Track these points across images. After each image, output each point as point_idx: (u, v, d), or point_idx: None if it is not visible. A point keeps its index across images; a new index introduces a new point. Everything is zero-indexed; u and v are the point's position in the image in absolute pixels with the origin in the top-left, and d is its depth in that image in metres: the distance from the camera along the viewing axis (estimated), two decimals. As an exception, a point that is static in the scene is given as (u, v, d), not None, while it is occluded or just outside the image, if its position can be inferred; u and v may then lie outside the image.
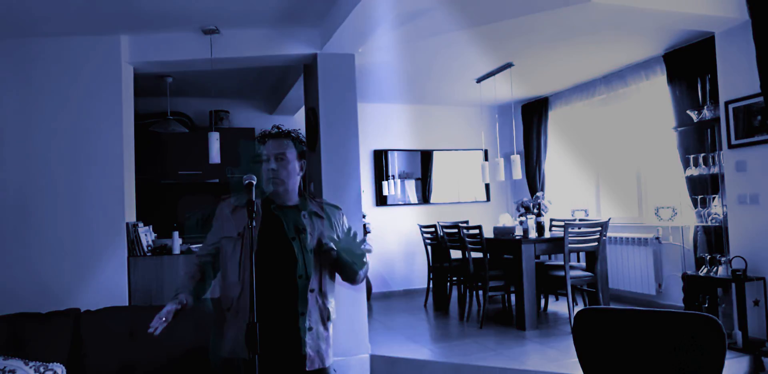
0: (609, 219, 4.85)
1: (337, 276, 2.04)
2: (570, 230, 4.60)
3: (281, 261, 1.88)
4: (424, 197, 6.97)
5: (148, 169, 5.22)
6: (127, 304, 3.70)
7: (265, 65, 4.47)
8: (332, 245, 1.93)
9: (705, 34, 4.30)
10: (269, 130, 2.06)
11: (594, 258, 4.71)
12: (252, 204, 1.76)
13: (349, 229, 1.93)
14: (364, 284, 4.10)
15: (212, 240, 1.99)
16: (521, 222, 5.05)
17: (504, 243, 4.88)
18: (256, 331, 1.65)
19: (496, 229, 5.21)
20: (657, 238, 5.10)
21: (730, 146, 4.00)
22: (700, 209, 4.40)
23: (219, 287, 1.97)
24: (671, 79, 4.78)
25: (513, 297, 5.10)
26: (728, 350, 2.41)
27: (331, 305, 1.98)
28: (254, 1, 3.50)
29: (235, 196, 2.00)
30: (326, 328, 1.94)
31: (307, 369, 1.87)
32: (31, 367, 2.31)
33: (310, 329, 1.88)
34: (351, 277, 2.00)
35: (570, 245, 4.59)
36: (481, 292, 5.08)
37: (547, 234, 5.16)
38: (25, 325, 2.62)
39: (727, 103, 4.01)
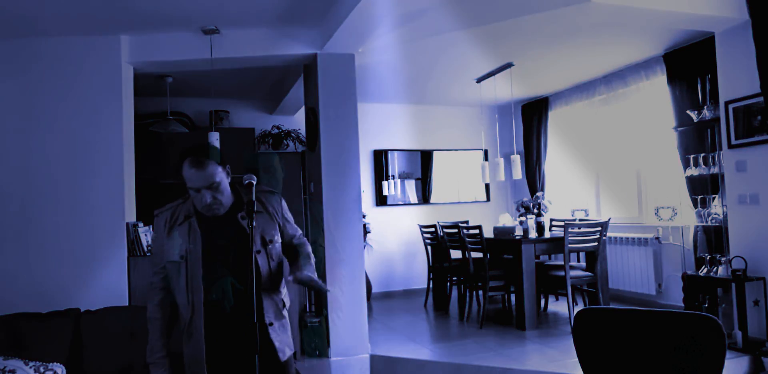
0: (609, 219, 4.85)
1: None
2: (570, 230, 4.60)
3: (235, 265, 1.84)
4: (424, 197, 6.97)
5: (148, 169, 5.22)
6: (127, 304, 3.70)
7: (265, 65, 4.47)
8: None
9: (705, 34, 4.30)
10: (193, 149, 1.84)
11: (594, 258, 4.71)
12: (252, 204, 1.77)
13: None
14: (363, 283, 4.09)
15: (160, 262, 1.91)
16: (521, 222, 5.05)
17: (504, 243, 4.88)
18: (256, 332, 1.66)
19: (496, 229, 5.21)
20: (657, 238, 5.10)
21: (730, 146, 4.00)
22: (700, 209, 4.40)
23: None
24: (671, 79, 4.78)
25: (513, 297, 5.10)
26: (728, 350, 2.41)
27: (282, 295, 1.99)
28: (254, 1, 3.50)
29: (170, 210, 1.91)
30: (283, 317, 1.96)
31: (281, 360, 1.90)
32: (31, 367, 2.30)
33: (271, 324, 1.90)
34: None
35: (570, 245, 4.58)
36: (481, 292, 5.08)
37: (547, 234, 5.16)
38: (25, 325, 2.62)
39: (727, 103, 4.01)
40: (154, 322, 1.90)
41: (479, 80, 5.69)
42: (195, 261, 1.83)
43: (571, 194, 6.41)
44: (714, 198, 4.35)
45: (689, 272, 4.22)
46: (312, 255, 2.03)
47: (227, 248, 1.86)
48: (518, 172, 5.43)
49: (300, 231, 2.11)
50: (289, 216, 2.05)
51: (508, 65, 5.13)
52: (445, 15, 3.71)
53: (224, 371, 1.86)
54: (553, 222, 5.74)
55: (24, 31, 3.70)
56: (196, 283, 1.82)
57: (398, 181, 6.87)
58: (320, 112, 4.10)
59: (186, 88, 5.49)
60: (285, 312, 1.99)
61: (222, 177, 1.83)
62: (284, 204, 2.03)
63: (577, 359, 1.92)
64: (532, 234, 5.02)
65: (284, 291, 2.02)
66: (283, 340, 1.93)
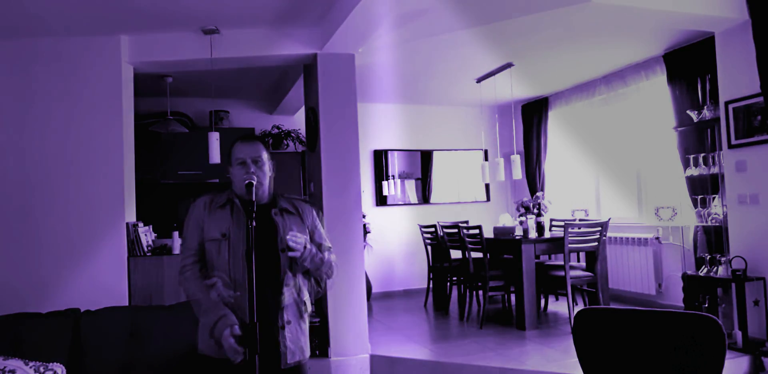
0: (609, 219, 4.85)
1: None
2: (570, 230, 4.60)
3: (263, 260, 1.84)
4: (424, 197, 6.97)
5: (148, 169, 5.22)
6: (127, 304, 3.70)
7: (265, 65, 4.47)
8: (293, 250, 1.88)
9: (705, 34, 4.30)
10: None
11: (594, 258, 4.71)
12: (253, 204, 1.78)
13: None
14: (363, 283, 4.09)
15: (193, 244, 1.94)
16: (521, 222, 5.05)
17: (504, 243, 4.88)
18: (256, 331, 1.65)
19: (496, 229, 5.21)
20: (657, 238, 5.10)
21: (730, 146, 4.00)
22: (700, 209, 4.40)
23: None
24: (671, 79, 4.78)
25: (513, 297, 5.10)
26: (728, 350, 2.41)
27: (306, 297, 2.00)
28: (254, 1, 3.50)
29: (210, 195, 2.01)
30: (303, 321, 1.97)
31: (288, 361, 1.88)
32: (31, 367, 2.30)
33: (289, 322, 1.90)
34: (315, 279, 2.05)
35: (570, 245, 4.58)
36: (481, 292, 5.08)
37: (547, 234, 5.16)
38: (25, 325, 2.61)
39: (727, 103, 4.01)
40: (196, 303, 1.88)
41: (479, 80, 5.69)
42: (238, 239, 1.87)
43: (571, 194, 6.41)
44: (714, 198, 4.35)
45: (689, 272, 4.22)
46: (329, 262, 2.00)
47: (263, 241, 1.86)
48: (518, 172, 5.43)
49: (330, 244, 2.09)
50: (319, 224, 2.07)
51: (508, 65, 5.13)
52: (445, 15, 3.71)
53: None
54: (553, 222, 5.74)
55: (24, 30, 3.70)
56: (238, 260, 1.85)
57: (398, 181, 6.87)
58: (320, 112, 4.10)
59: (186, 88, 5.49)
60: (307, 317, 1.98)
61: (266, 158, 1.97)
62: (315, 213, 2.08)
63: (577, 359, 1.92)
64: (532, 234, 5.02)
65: (307, 294, 2.02)
66: (297, 342, 1.91)
